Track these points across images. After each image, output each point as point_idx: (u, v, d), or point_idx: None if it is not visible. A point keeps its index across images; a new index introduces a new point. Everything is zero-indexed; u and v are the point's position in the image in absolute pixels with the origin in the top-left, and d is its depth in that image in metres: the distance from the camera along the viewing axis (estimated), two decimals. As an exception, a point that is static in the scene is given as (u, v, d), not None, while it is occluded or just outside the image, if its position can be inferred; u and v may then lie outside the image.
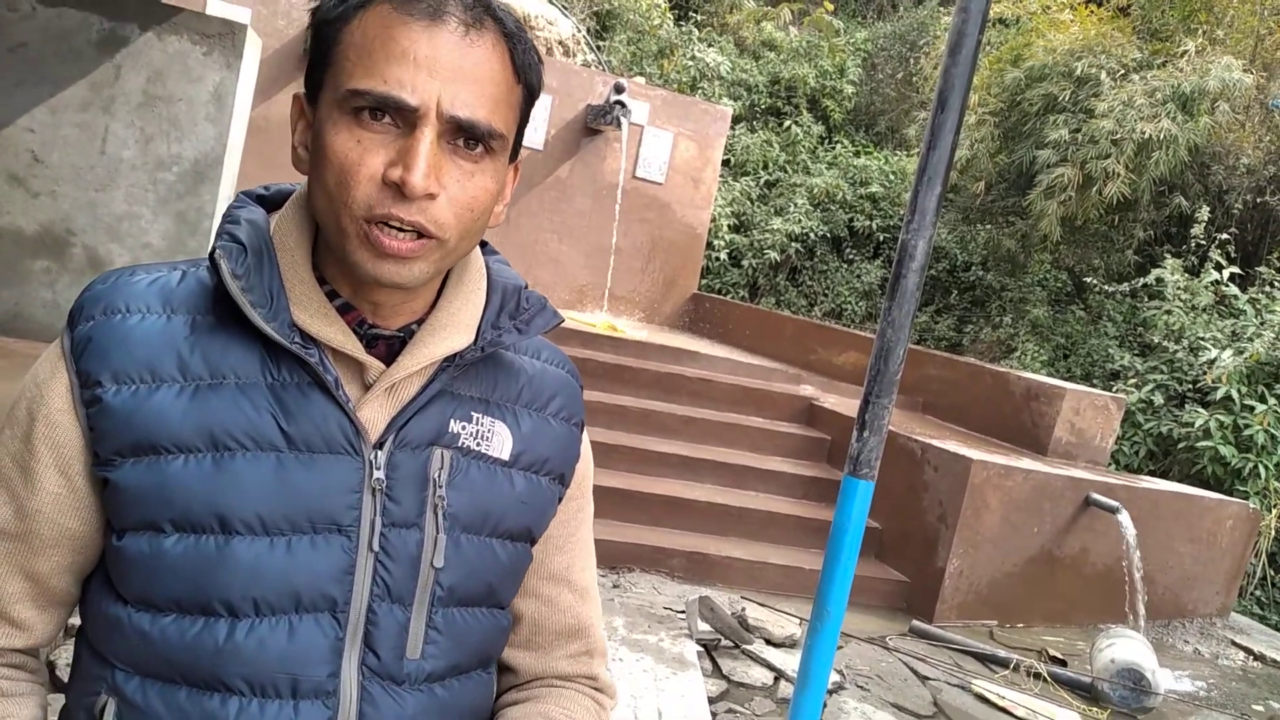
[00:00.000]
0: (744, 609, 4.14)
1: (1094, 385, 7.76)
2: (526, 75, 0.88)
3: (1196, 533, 5.37)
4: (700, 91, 11.74)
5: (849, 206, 11.38)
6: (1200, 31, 8.74)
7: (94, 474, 0.87)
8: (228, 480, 0.84)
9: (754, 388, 6.02)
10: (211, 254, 0.86)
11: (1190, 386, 7.20)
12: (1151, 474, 6.85)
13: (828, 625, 2.76)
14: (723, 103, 11.15)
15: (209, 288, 0.88)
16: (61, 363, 0.87)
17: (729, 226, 11.29)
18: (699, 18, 13.46)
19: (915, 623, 4.59)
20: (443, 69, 0.80)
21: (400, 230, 0.81)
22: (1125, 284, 8.47)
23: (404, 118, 0.80)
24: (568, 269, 7.95)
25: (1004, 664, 4.28)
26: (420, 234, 0.82)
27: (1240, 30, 9.00)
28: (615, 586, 4.34)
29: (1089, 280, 8.96)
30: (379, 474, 0.89)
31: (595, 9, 11.91)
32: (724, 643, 3.88)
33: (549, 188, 7.82)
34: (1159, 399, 7.22)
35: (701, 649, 3.81)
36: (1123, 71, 8.56)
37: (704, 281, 10.60)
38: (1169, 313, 7.65)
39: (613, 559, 4.57)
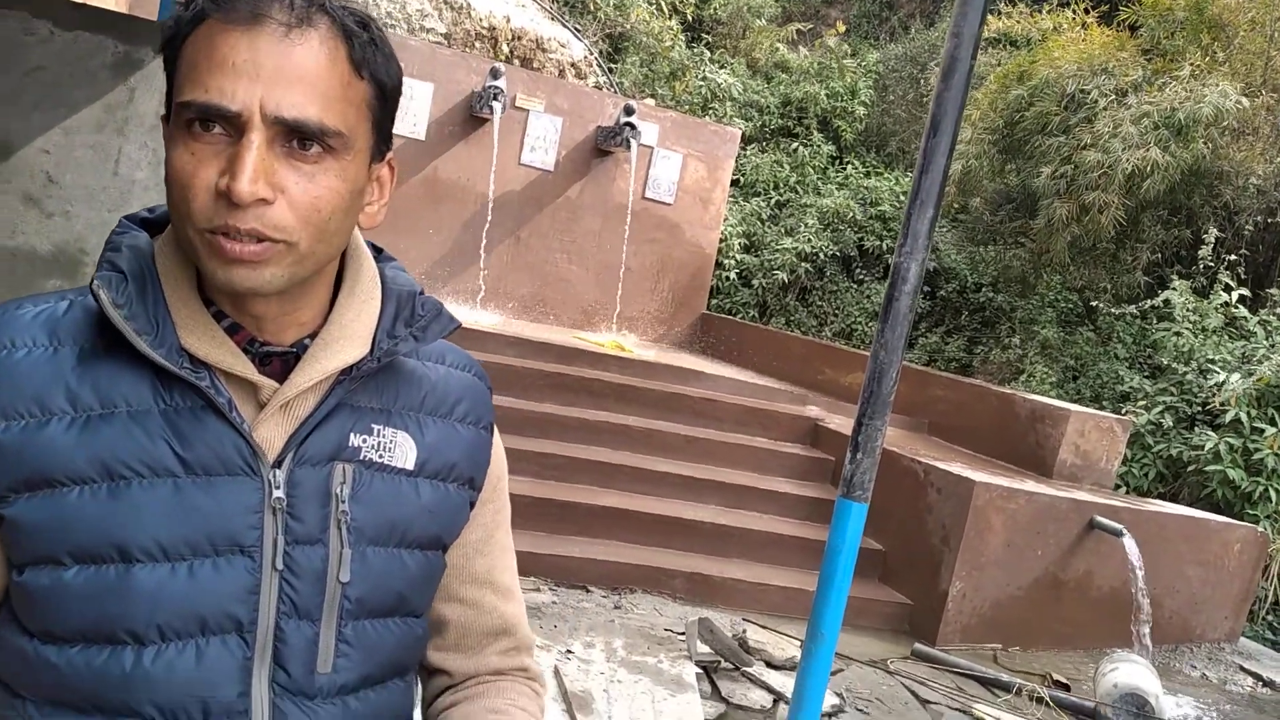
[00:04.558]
0: (745, 631, 4.14)
1: (1104, 407, 7.72)
2: (371, 69, 0.86)
3: (1204, 556, 5.34)
4: (711, 112, 11.80)
5: (859, 227, 11.39)
6: (1202, 53, 8.73)
7: None
8: (125, 509, 0.84)
9: (758, 408, 6.03)
10: (91, 284, 0.86)
11: (1200, 409, 7.16)
12: (1161, 497, 6.81)
13: (822, 647, 2.77)
14: (734, 123, 11.21)
15: (95, 316, 0.87)
16: None
17: (740, 246, 11.33)
18: (711, 39, 13.55)
19: (918, 646, 4.57)
20: (265, 71, 0.79)
21: (242, 236, 0.80)
22: (1134, 305, 8.45)
23: (232, 126, 0.80)
24: (577, 288, 7.99)
25: (1006, 688, 4.26)
26: (263, 239, 0.81)
27: (1250, 52, 8.99)
28: (616, 608, 4.35)
29: (1096, 303, 8.94)
30: (278, 493, 0.89)
31: (608, 32, 12.00)
32: (724, 665, 3.88)
33: (559, 208, 7.87)
34: (1168, 421, 7.18)
35: (700, 671, 3.81)
36: (1118, 94, 8.56)
37: (714, 301, 10.62)
38: (1178, 334, 7.62)
39: (614, 579, 4.58)
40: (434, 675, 1.11)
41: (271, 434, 0.90)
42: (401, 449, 0.97)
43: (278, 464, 0.90)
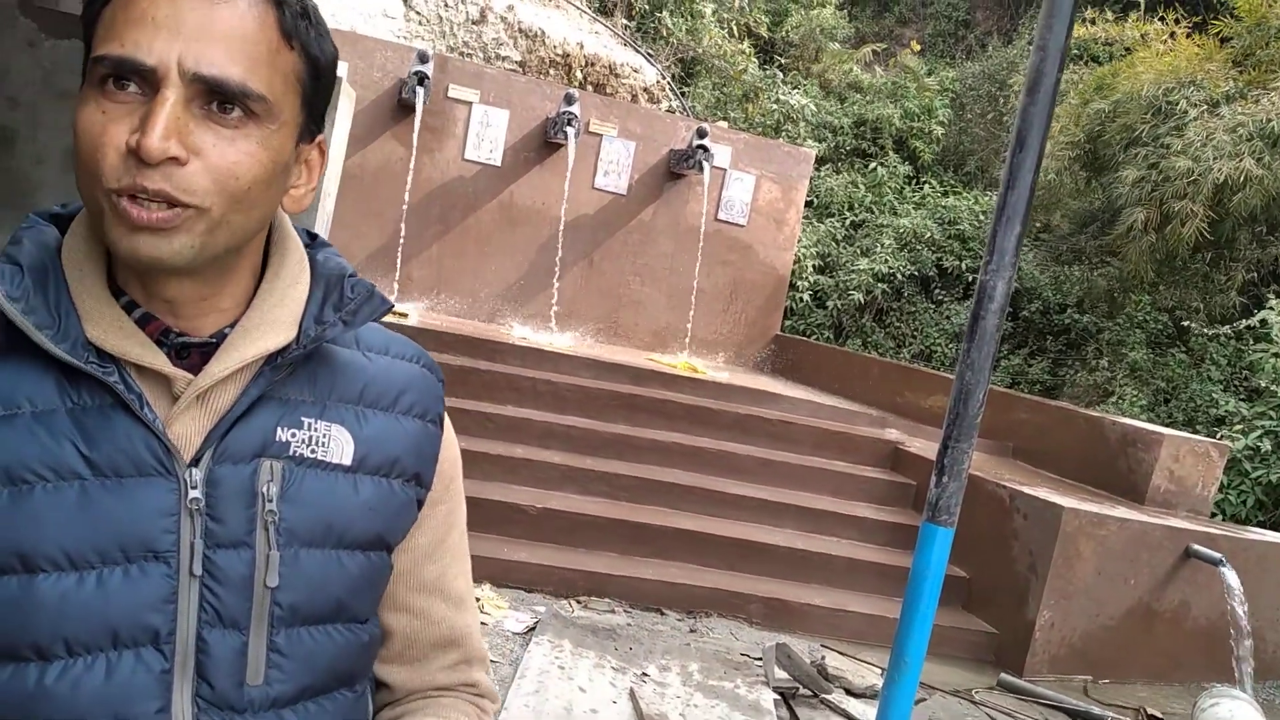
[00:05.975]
0: (824, 657, 4.05)
1: (1197, 431, 7.42)
2: (302, 41, 0.81)
3: (1311, 588, 5.06)
4: (784, 134, 11.77)
5: (937, 246, 11.20)
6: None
7: None
8: (26, 516, 0.79)
9: (836, 431, 5.94)
10: None
11: (1302, 433, 6.83)
12: (1261, 525, 6.49)
13: (906, 675, 2.69)
14: (807, 144, 11.15)
15: None
16: None
17: (814, 268, 11.23)
18: (783, 61, 13.53)
19: (1004, 676, 4.43)
20: (186, 27, 0.74)
21: (149, 200, 0.75)
22: (1228, 326, 8.11)
23: (147, 82, 0.75)
24: (650, 310, 8.01)
25: (1099, 723, 4.08)
26: (173, 204, 0.76)
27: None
28: (692, 631, 4.31)
29: (1187, 323, 8.61)
30: (195, 493, 0.83)
31: (680, 56, 12.08)
32: (802, 692, 3.80)
33: (632, 231, 7.91)
34: (1268, 446, 6.86)
35: (778, 697, 3.74)
36: (1209, 105, 8.26)
37: (788, 323, 10.53)
38: (1277, 355, 7.30)
39: (688, 602, 4.54)
40: (377, 688, 1.05)
41: (187, 430, 0.84)
42: (337, 443, 0.91)
43: (195, 462, 0.83)
